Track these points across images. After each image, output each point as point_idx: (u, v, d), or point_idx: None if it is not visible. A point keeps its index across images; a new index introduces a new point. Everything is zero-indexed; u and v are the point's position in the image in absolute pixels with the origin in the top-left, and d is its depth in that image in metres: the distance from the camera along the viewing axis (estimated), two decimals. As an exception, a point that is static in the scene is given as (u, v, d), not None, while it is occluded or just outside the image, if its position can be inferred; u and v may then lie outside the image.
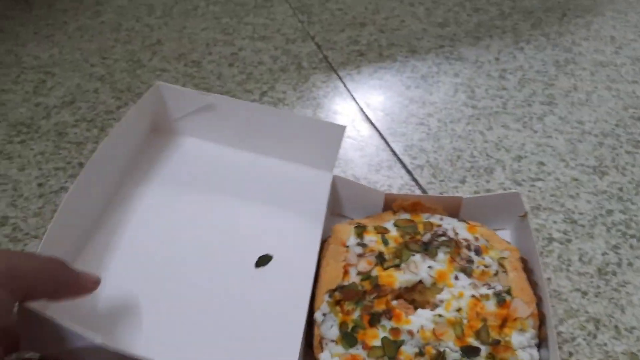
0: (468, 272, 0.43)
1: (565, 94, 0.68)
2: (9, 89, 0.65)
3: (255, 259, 0.45)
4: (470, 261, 0.43)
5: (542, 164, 0.58)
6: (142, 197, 0.48)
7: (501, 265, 0.43)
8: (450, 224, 0.46)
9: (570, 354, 0.42)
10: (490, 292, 0.41)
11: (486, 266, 0.43)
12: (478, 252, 0.44)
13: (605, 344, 0.43)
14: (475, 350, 0.38)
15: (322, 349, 0.39)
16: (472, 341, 0.39)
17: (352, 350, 0.39)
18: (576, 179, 0.56)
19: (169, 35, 0.76)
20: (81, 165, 0.56)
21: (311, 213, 0.48)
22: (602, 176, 0.57)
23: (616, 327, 0.44)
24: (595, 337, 0.43)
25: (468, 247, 0.44)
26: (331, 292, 0.41)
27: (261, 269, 0.45)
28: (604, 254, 0.49)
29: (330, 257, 0.44)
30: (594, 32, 0.79)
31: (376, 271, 0.43)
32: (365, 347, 0.39)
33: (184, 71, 0.69)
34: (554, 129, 0.62)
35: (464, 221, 0.47)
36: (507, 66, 0.72)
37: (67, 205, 0.41)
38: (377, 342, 0.39)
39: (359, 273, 0.43)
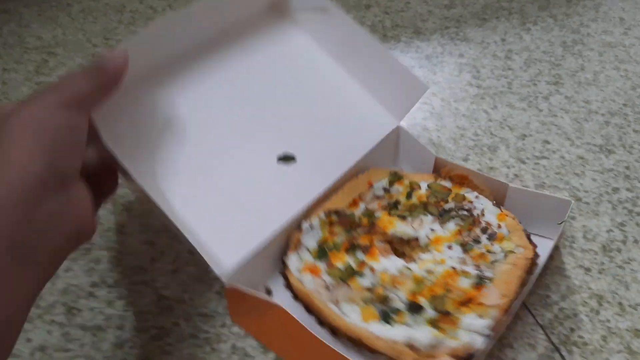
0: (466, 249, 0.42)
1: (572, 74, 0.66)
2: (11, 68, 0.65)
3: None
4: (477, 241, 0.42)
5: (547, 142, 0.57)
6: (222, 61, 0.48)
7: (507, 258, 0.41)
8: (482, 205, 0.45)
9: (572, 329, 0.41)
10: (474, 272, 0.40)
11: (489, 252, 0.42)
12: (492, 237, 0.43)
13: (609, 320, 0.42)
14: (418, 309, 0.37)
15: (294, 251, 0.42)
16: (423, 301, 0.38)
17: (317, 262, 0.41)
18: (582, 157, 0.55)
19: (172, 17, 0.76)
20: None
21: (358, 144, 0.48)
22: (609, 154, 0.56)
23: (620, 303, 0.43)
24: (598, 313, 0.43)
25: (484, 230, 0.43)
26: (328, 213, 0.43)
27: (281, 165, 0.45)
28: (609, 231, 0.48)
29: (349, 187, 0.46)
30: (603, 14, 0.77)
31: (380, 213, 0.44)
32: (329, 264, 0.41)
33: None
34: (559, 108, 0.61)
35: (499, 207, 0.45)
36: (513, 47, 0.71)
37: (147, 31, 0.40)
38: (341, 265, 0.41)
39: (365, 209, 0.45)
